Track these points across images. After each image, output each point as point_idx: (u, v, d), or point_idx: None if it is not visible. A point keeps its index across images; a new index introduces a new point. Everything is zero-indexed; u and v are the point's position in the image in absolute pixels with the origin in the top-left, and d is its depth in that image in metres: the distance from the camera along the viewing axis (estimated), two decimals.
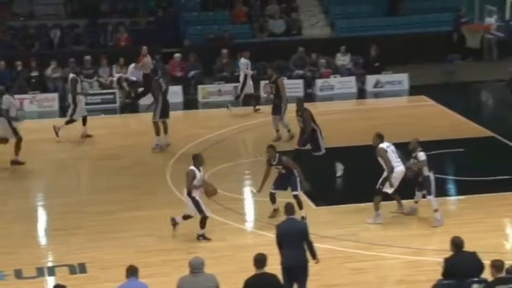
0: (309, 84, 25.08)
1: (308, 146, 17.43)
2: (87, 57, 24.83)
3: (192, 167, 14.25)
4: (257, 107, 22.88)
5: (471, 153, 18.49)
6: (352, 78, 25.33)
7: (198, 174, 14.22)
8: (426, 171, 14.58)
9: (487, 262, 10.92)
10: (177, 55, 25.34)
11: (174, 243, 14.36)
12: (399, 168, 14.68)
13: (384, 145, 14.83)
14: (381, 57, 25.55)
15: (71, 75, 20.83)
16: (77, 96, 20.31)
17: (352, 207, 15.83)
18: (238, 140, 20.55)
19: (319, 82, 25.01)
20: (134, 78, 24.59)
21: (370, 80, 25.29)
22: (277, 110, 20.03)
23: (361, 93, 25.19)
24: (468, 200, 16.01)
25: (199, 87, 24.71)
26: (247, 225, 15.43)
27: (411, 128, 20.17)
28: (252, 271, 10.55)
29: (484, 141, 19.84)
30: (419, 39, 27.13)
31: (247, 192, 17.18)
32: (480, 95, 25.49)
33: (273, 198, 15.16)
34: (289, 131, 19.98)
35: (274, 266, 11.13)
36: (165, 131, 19.66)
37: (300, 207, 14.75)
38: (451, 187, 16.96)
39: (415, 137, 15.10)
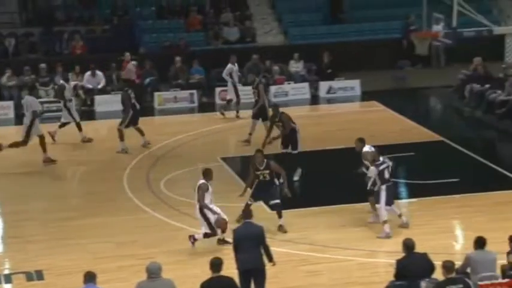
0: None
1: (289, 148, 17.42)
2: (43, 65, 24.64)
3: (203, 181, 13.91)
4: (225, 113, 22.89)
5: (421, 157, 18.70)
6: (306, 85, 25.47)
7: (210, 188, 13.90)
8: (378, 183, 14.67)
9: (437, 263, 11.08)
10: (133, 62, 25.22)
11: (131, 249, 14.26)
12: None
13: (367, 148, 14.95)
14: (333, 64, 25.76)
15: (60, 81, 21.47)
16: (67, 102, 20.70)
17: (306, 211, 15.89)
18: (195, 146, 20.51)
19: (273, 88, 25.10)
20: (90, 86, 24.45)
21: (323, 86, 25.46)
22: (261, 115, 20.23)
23: (315, 99, 25.34)
24: (419, 203, 16.18)
25: (156, 94, 24.64)
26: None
27: (363, 133, 20.13)
28: (209, 275, 10.54)
29: (433, 145, 20.09)
30: (370, 46, 27.38)
31: None
32: (429, 100, 25.78)
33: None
34: (250, 134, 20.16)
35: (231, 270, 11.14)
36: (141, 133, 20.02)
37: (280, 215, 14.65)
38: (403, 190, 17.13)
39: (373, 144, 15.19)
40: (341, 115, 23.37)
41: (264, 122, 20.10)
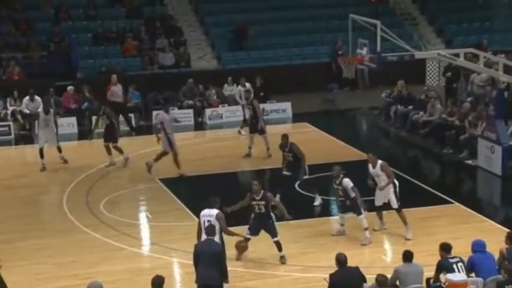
0: (198, 113, 25.23)
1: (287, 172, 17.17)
2: None
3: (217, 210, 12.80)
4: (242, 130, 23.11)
5: (351, 175, 18.88)
6: (239, 107, 25.57)
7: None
8: (352, 194, 14.93)
9: (369, 276, 11.26)
10: (70, 87, 25.05)
11: (72, 269, 14.08)
12: (396, 181, 15.19)
13: (382, 161, 15.16)
14: (265, 87, 25.96)
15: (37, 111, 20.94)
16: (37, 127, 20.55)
17: (243, 228, 15.84)
18: (133, 168, 20.35)
19: (208, 111, 25.16)
20: (27, 111, 24.15)
21: None
22: (254, 128, 20.63)
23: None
24: (349, 219, 16.31)
25: (94, 118, 24.35)
26: (144, 249, 15.30)
27: None
28: None
29: (361, 163, 20.22)
30: (300, 70, 27.70)
31: (143, 217, 17.07)
32: (356, 121, 26.19)
33: (245, 246, 14.08)
34: (250, 147, 20.69)
35: None
36: (115, 151, 20.24)
37: (280, 249, 14.02)
38: (333, 207, 17.33)
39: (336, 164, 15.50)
40: (274, 136, 23.23)
41: (251, 134, 20.74)
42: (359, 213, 15.03)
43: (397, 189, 15.22)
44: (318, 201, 17.22)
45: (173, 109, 25.02)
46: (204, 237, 12.34)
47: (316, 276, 13.32)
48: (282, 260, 14.13)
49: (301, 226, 15.95)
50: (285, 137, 17.48)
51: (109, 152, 20.07)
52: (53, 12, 28.75)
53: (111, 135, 20.11)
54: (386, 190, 15.18)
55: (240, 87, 23.58)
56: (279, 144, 17.67)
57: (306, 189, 17.52)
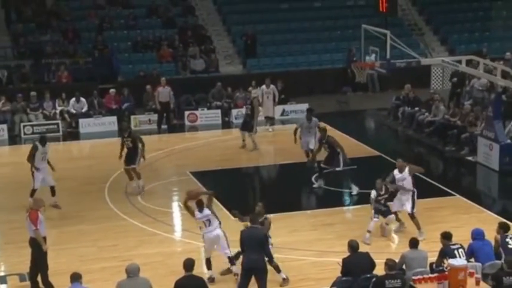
0: (225, 113, 25.19)
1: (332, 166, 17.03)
2: (33, 93, 24.41)
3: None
4: (270, 128, 23.13)
5: (363, 170, 18.79)
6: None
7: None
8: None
9: (378, 261, 11.17)
10: (112, 90, 25.13)
11: (112, 252, 14.13)
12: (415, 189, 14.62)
13: (410, 166, 14.65)
14: (285, 90, 25.86)
15: (34, 143, 16.63)
16: (34, 165, 16.40)
17: None
18: (166, 162, 20.39)
19: (234, 111, 25.11)
20: (74, 111, 24.30)
21: (278, 109, 25.48)
22: (246, 127, 20.91)
23: (270, 120, 25.34)
24: (361, 209, 16.22)
25: (132, 117, 24.49)
26: (176, 235, 15.31)
27: None
28: (180, 274, 10.49)
29: (372, 159, 20.25)
30: (317, 74, 27.59)
31: (175, 206, 17.07)
32: (368, 121, 26.03)
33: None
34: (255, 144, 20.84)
35: (199, 270, 11.07)
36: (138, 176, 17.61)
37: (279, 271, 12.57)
38: (347, 199, 17.24)
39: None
40: (293, 134, 23.37)
41: (248, 133, 20.84)
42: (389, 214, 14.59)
43: (415, 197, 14.50)
44: (355, 190, 17.00)
45: (203, 109, 25.07)
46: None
47: (330, 260, 13.25)
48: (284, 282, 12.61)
49: (318, 215, 15.89)
50: (323, 130, 17.63)
51: (130, 177, 17.53)
52: (97, 22, 28.88)
53: (133, 159, 17.36)
54: (405, 197, 14.48)
55: (263, 86, 23.52)
56: (318, 136, 17.77)
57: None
